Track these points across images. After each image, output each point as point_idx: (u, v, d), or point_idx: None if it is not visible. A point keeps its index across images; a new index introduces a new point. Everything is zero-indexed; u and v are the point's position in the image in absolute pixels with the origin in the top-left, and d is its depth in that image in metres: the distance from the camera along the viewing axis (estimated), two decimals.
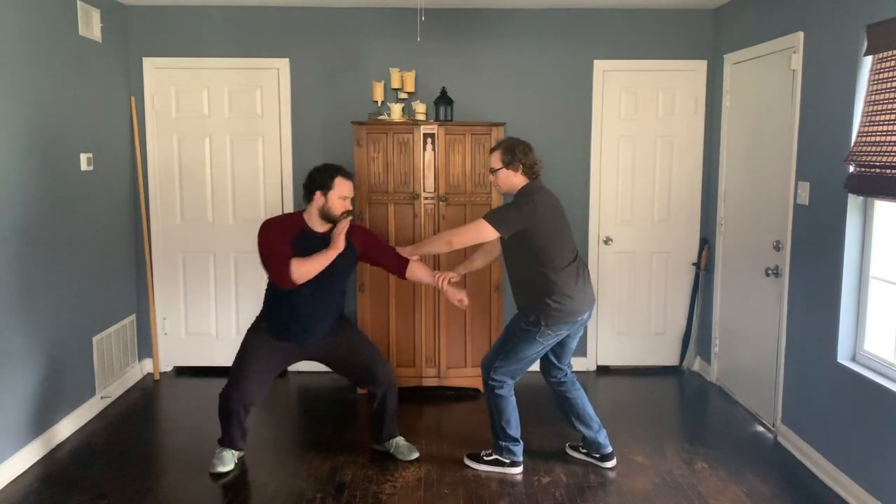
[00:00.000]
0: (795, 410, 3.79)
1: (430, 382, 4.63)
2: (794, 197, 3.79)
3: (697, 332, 5.13)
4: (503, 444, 3.52)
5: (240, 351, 3.54)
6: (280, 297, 3.44)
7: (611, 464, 3.59)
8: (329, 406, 4.46)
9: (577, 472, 3.55)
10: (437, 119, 4.58)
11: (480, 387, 4.60)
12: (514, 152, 3.34)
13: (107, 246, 4.49)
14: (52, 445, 3.80)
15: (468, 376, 4.63)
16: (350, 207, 3.46)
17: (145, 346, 5.00)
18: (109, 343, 4.49)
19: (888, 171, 2.92)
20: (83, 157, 4.18)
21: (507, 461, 3.52)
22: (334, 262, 3.40)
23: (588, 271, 3.47)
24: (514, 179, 3.38)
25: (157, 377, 4.95)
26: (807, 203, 3.66)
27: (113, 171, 4.60)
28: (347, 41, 4.85)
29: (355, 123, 4.46)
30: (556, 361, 3.55)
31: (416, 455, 3.68)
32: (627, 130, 4.98)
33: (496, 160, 3.39)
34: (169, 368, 5.09)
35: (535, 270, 3.30)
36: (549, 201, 3.36)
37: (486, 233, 3.29)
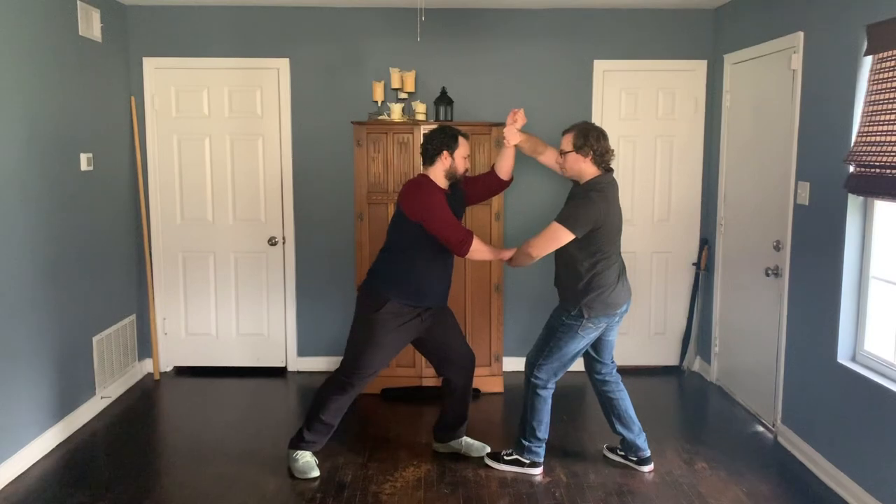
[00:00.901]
0: (795, 410, 3.79)
1: (430, 382, 4.63)
2: (794, 197, 3.79)
3: (697, 332, 5.13)
4: (527, 443, 3.50)
5: (364, 340, 3.40)
6: (414, 261, 3.38)
7: (648, 468, 3.56)
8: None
9: (577, 472, 3.55)
10: (437, 119, 4.58)
11: (480, 387, 4.61)
12: (588, 137, 3.25)
13: (107, 246, 4.49)
14: (52, 445, 3.80)
15: None
16: (469, 166, 3.51)
17: (145, 346, 5.00)
18: (109, 343, 4.49)
19: (888, 171, 2.92)
20: (83, 157, 4.18)
21: (527, 461, 3.51)
22: (460, 209, 3.52)
23: (625, 269, 3.46)
24: (583, 165, 3.29)
25: (157, 377, 4.95)
26: (807, 203, 3.66)
27: (113, 171, 4.60)
28: (347, 41, 4.85)
29: (355, 123, 4.46)
30: (596, 356, 3.53)
31: (487, 449, 3.69)
32: (627, 130, 4.98)
33: (567, 143, 3.30)
34: (169, 368, 5.09)
35: (588, 261, 3.27)
36: (616, 199, 3.33)
37: (563, 237, 3.22)
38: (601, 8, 4.84)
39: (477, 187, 3.67)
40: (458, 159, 3.41)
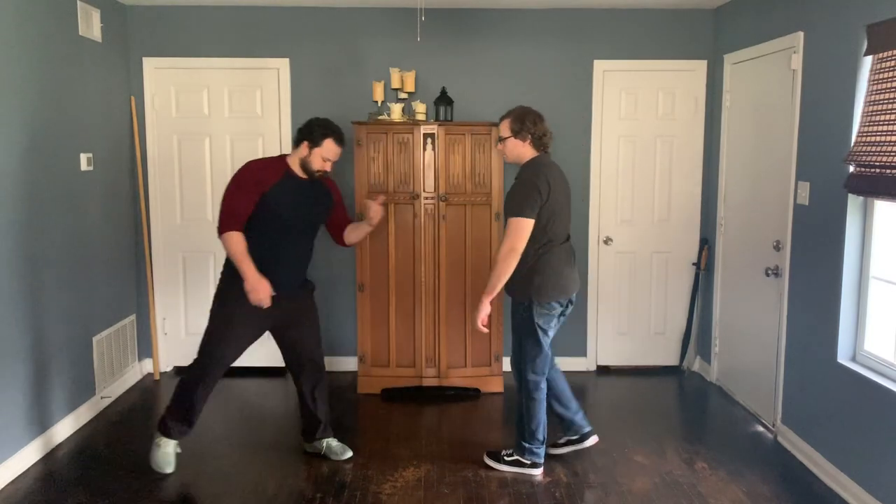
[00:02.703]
0: (795, 410, 3.79)
1: (430, 382, 4.63)
2: (794, 197, 3.79)
3: (697, 332, 5.13)
4: (527, 445, 3.50)
5: (217, 327, 3.41)
6: (264, 239, 3.36)
7: (592, 441, 3.62)
8: (329, 406, 4.44)
9: (577, 472, 3.55)
10: (437, 119, 4.58)
11: (480, 386, 4.62)
12: (524, 121, 3.30)
13: (107, 246, 4.49)
14: (52, 445, 3.80)
15: (468, 376, 4.63)
16: (329, 170, 3.45)
17: (145, 346, 5.00)
18: (109, 343, 4.49)
19: (888, 171, 2.92)
20: (83, 157, 4.18)
21: (528, 462, 3.52)
22: (317, 202, 3.49)
23: (574, 255, 3.48)
24: (522, 150, 3.34)
25: (157, 377, 4.95)
26: (807, 203, 3.66)
27: (113, 171, 4.60)
28: (347, 41, 4.85)
29: (355, 123, 4.46)
30: None
31: (349, 454, 3.67)
32: (627, 130, 4.98)
33: (505, 128, 3.35)
34: (169, 368, 5.09)
35: (533, 246, 3.29)
36: (560, 180, 3.36)
37: (527, 225, 3.24)
38: (601, 8, 4.84)
39: (333, 219, 3.68)
40: (316, 157, 3.38)
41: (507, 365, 4.91)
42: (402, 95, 4.68)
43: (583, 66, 4.91)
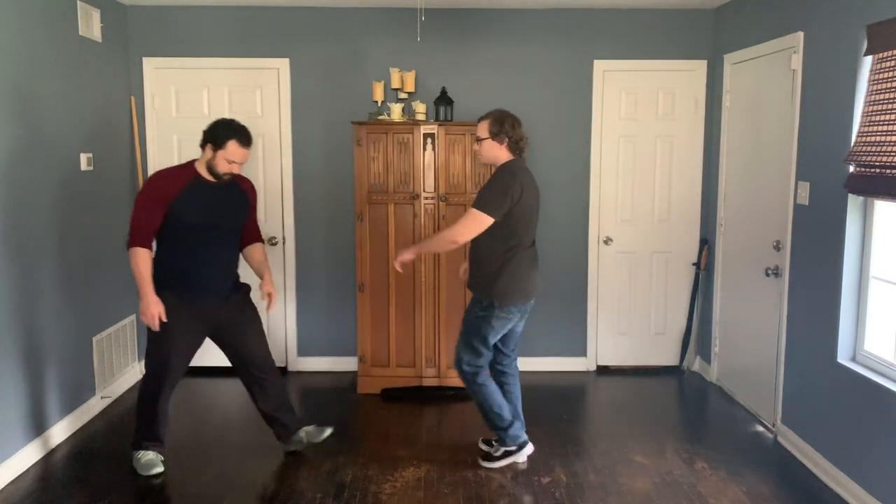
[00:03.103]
0: (795, 410, 3.79)
1: (430, 382, 4.63)
2: (794, 197, 3.79)
3: (697, 332, 5.13)
4: (503, 431, 3.53)
5: (157, 343, 3.36)
6: (180, 248, 3.33)
7: (529, 451, 3.62)
8: (329, 406, 4.45)
9: (577, 472, 3.55)
10: (437, 119, 4.58)
11: None
12: (503, 124, 3.34)
13: (107, 246, 4.49)
14: (53, 445, 3.80)
15: None
16: (237, 172, 3.40)
17: (145, 346, 4.98)
18: (109, 343, 4.49)
19: (888, 171, 2.92)
20: (83, 157, 4.18)
21: (515, 447, 3.54)
22: (231, 205, 3.43)
23: (538, 261, 3.51)
24: (498, 152, 3.37)
25: None
26: (807, 203, 3.66)
27: (113, 171, 4.60)
28: (347, 41, 4.85)
29: (355, 123, 4.46)
30: (501, 347, 3.59)
31: (329, 430, 3.69)
32: (627, 130, 4.98)
33: (483, 130, 3.39)
34: None
35: (499, 250, 3.33)
36: (531, 185, 3.39)
37: (485, 221, 3.27)
38: (601, 8, 4.84)
39: (245, 231, 3.61)
40: (220, 159, 3.32)
41: None
42: (402, 95, 4.68)
43: (583, 66, 4.91)
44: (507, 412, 3.52)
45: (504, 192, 3.27)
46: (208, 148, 3.33)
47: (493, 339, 3.44)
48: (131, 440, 3.55)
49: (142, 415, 3.49)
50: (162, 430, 3.50)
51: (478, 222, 3.28)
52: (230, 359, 3.63)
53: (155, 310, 3.25)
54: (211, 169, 3.35)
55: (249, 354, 3.58)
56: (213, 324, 3.46)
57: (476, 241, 3.41)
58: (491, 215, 3.26)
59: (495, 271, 3.34)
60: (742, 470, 3.57)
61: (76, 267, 4.09)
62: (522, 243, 3.36)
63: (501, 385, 3.63)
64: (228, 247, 3.49)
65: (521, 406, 3.67)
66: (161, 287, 3.31)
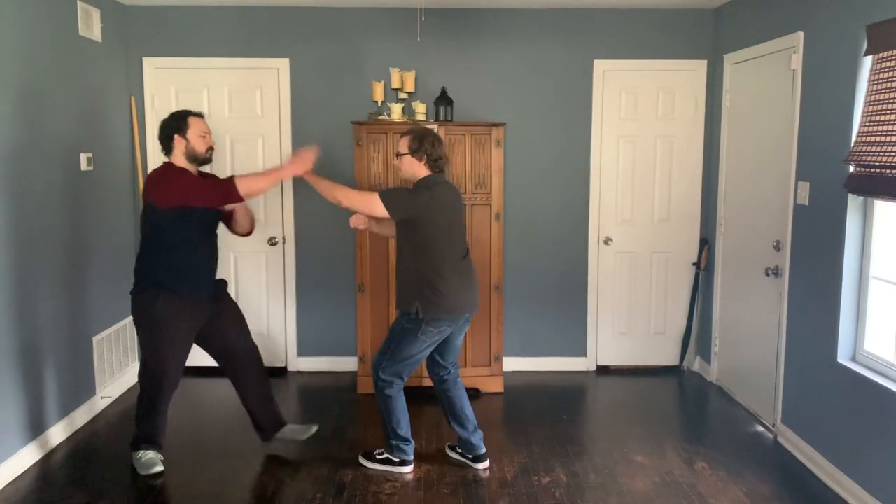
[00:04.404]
0: (795, 410, 3.79)
1: (430, 382, 4.61)
2: (794, 197, 3.79)
3: (697, 332, 5.13)
4: (394, 443, 3.54)
5: (150, 337, 3.37)
6: (179, 248, 3.34)
7: (483, 465, 3.59)
8: (329, 406, 4.45)
9: (577, 472, 3.55)
10: (437, 119, 4.58)
11: (480, 386, 4.62)
12: (423, 142, 3.37)
13: (107, 246, 4.49)
14: (52, 445, 3.80)
15: (468, 376, 4.61)
16: (212, 144, 3.43)
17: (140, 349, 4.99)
18: (109, 343, 4.49)
19: (888, 171, 2.92)
20: (83, 157, 4.18)
21: (397, 460, 3.54)
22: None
23: (474, 274, 3.50)
24: (417, 168, 3.39)
25: None
26: (807, 203, 3.66)
27: (113, 171, 4.60)
28: (347, 41, 4.85)
29: (355, 123, 4.46)
30: (439, 359, 3.57)
31: (315, 428, 3.70)
32: (627, 130, 4.98)
33: (403, 145, 3.41)
34: None
35: (420, 262, 3.34)
36: (448, 196, 3.39)
37: (376, 207, 3.28)
38: (601, 8, 4.84)
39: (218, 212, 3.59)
40: (194, 139, 3.34)
41: (507, 365, 4.92)
42: (402, 95, 4.68)
43: (583, 66, 4.91)
44: (404, 430, 3.52)
45: (410, 197, 3.30)
46: (177, 140, 3.34)
47: (417, 351, 3.40)
48: (131, 440, 3.56)
49: (143, 425, 3.48)
50: (160, 435, 3.51)
51: (369, 203, 3.29)
52: (216, 355, 3.64)
53: (304, 157, 3.41)
54: (192, 155, 3.35)
55: (238, 348, 3.60)
56: (203, 321, 3.48)
57: (399, 253, 3.45)
58: (386, 207, 3.25)
59: (416, 286, 3.33)
60: (742, 470, 3.57)
61: (76, 267, 4.09)
62: (445, 258, 3.35)
63: (445, 393, 3.61)
64: (213, 240, 3.52)
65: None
66: (162, 287, 3.32)
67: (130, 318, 4.79)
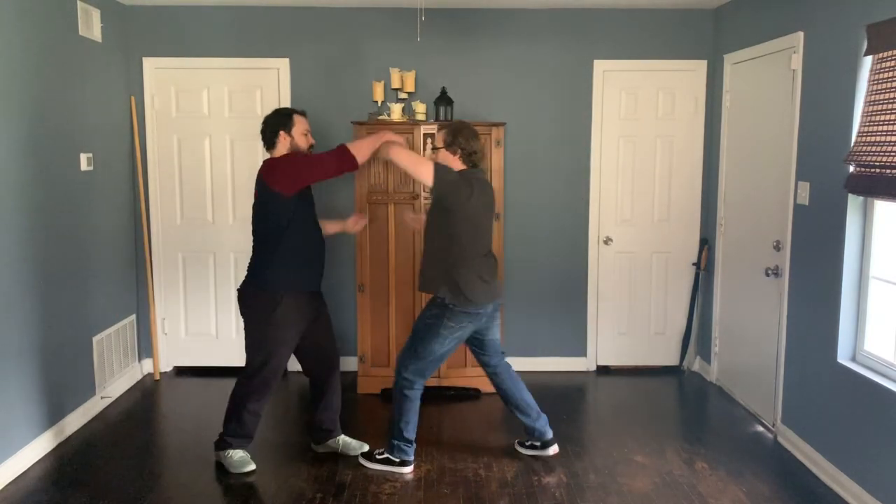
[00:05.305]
0: (795, 410, 3.79)
1: (430, 382, 4.58)
2: (794, 197, 3.79)
3: (697, 332, 5.13)
4: (396, 443, 3.54)
5: (266, 340, 3.38)
6: (302, 240, 3.38)
7: (553, 450, 3.64)
8: None
9: (577, 472, 3.55)
10: (437, 119, 4.58)
11: (481, 386, 4.61)
12: (457, 136, 3.39)
13: (107, 246, 4.49)
14: (53, 445, 3.80)
15: (468, 376, 4.62)
16: (313, 142, 3.52)
17: (145, 346, 5.00)
18: (109, 343, 4.49)
19: (888, 171, 2.92)
20: (83, 157, 4.18)
21: (398, 460, 3.55)
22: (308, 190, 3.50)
23: (496, 270, 3.51)
24: (451, 162, 3.41)
25: (157, 377, 4.95)
26: (807, 203, 3.66)
27: (113, 171, 4.60)
28: (347, 41, 4.85)
29: (355, 123, 4.46)
30: (481, 353, 3.62)
31: (366, 448, 3.70)
32: (627, 130, 4.98)
33: (439, 139, 3.44)
34: (169, 368, 5.09)
35: (447, 250, 3.35)
36: (485, 194, 3.41)
37: (425, 173, 3.27)
38: (601, 8, 4.84)
39: None
40: (298, 136, 3.43)
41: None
42: (402, 95, 4.68)
43: (583, 66, 4.91)
44: (410, 432, 3.53)
45: (455, 183, 3.30)
46: (282, 136, 3.41)
47: (440, 347, 3.42)
48: (216, 439, 3.55)
49: (233, 417, 3.48)
50: (251, 435, 3.52)
51: (422, 167, 3.28)
52: (305, 352, 3.60)
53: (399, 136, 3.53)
54: (296, 152, 3.43)
55: (329, 349, 3.62)
56: (311, 318, 3.51)
57: (426, 238, 3.47)
58: (434, 176, 3.24)
59: (442, 272, 3.35)
60: (742, 470, 3.57)
61: (76, 267, 4.09)
62: (469, 253, 3.36)
63: (500, 386, 3.64)
64: (321, 232, 3.56)
65: (523, 402, 3.67)
66: (284, 288, 3.36)
67: (130, 318, 4.80)
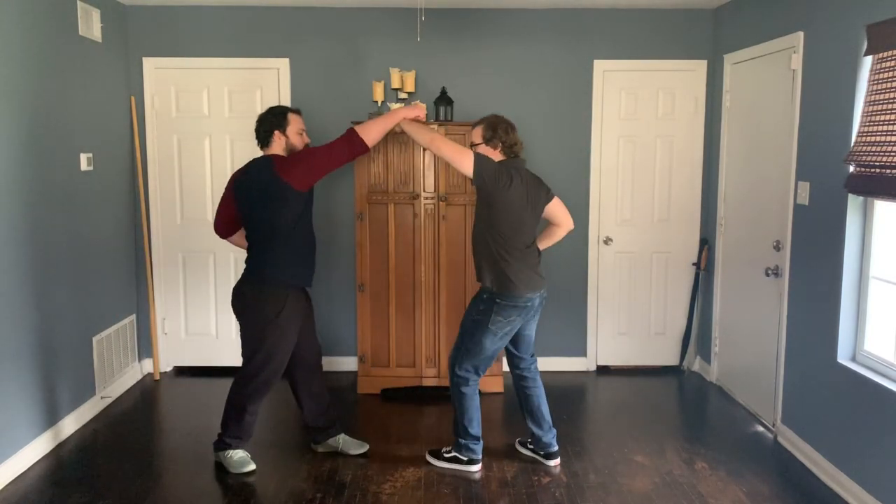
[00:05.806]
0: (795, 410, 3.79)
1: (430, 382, 4.63)
2: (794, 197, 3.79)
3: (697, 332, 5.13)
4: (463, 441, 3.53)
5: (269, 341, 3.34)
6: (300, 238, 3.37)
7: (554, 462, 3.62)
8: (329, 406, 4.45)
9: (577, 472, 3.55)
10: (437, 119, 4.58)
11: (480, 387, 4.58)
12: (496, 129, 3.37)
13: (107, 246, 4.49)
14: (53, 445, 3.80)
15: None
16: (308, 140, 3.50)
17: (145, 346, 5.00)
18: (109, 343, 4.49)
19: (888, 171, 2.92)
20: (83, 157, 4.18)
21: (465, 458, 3.54)
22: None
23: (538, 263, 3.48)
24: (493, 156, 3.39)
25: (156, 377, 4.95)
26: (807, 203, 3.66)
27: (113, 171, 4.60)
28: (347, 41, 4.85)
29: (355, 123, 4.45)
30: (514, 351, 3.59)
31: (366, 447, 3.69)
32: (627, 130, 4.98)
33: (477, 135, 3.42)
34: (169, 368, 5.09)
35: (491, 240, 3.34)
36: (528, 184, 3.38)
37: (465, 162, 3.26)
38: (601, 8, 4.84)
39: None
40: (293, 135, 3.42)
41: (507, 365, 4.91)
42: (402, 95, 4.68)
43: (583, 66, 4.91)
44: (475, 428, 3.52)
45: (496, 173, 3.28)
46: (276, 135, 3.40)
47: (490, 343, 3.40)
48: (215, 440, 3.56)
49: (231, 417, 3.48)
50: (249, 435, 3.52)
51: (462, 156, 3.27)
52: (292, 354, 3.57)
53: (419, 106, 3.54)
54: (291, 151, 3.43)
55: (311, 343, 3.60)
56: (303, 315, 3.50)
57: (475, 226, 3.46)
58: (475, 166, 3.24)
59: (488, 262, 3.36)
60: (742, 470, 3.57)
61: (76, 267, 4.09)
62: (512, 244, 3.34)
63: (524, 390, 3.61)
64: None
65: (518, 408, 3.67)
66: (289, 286, 3.36)
67: (130, 318, 4.80)
